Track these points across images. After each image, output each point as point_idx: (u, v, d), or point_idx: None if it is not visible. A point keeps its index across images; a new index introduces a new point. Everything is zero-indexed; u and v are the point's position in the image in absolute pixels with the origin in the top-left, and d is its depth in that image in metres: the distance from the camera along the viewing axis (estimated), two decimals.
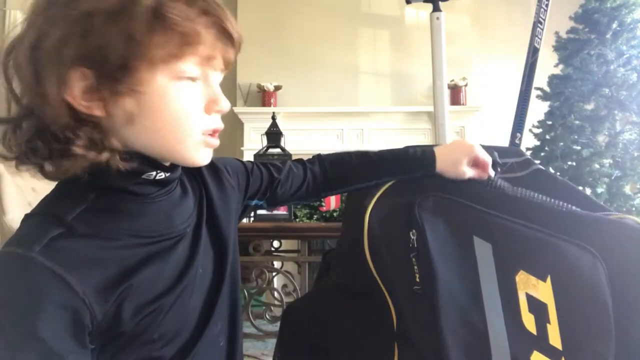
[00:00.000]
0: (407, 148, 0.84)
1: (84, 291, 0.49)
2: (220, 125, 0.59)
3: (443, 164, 0.78)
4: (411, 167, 0.81)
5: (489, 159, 0.78)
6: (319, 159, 0.85)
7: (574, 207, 0.66)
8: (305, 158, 0.87)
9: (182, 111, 0.54)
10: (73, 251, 0.50)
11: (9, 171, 2.85)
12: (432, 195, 0.73)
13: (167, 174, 0.58)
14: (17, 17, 4.00)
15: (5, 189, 2.80)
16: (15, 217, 2.77)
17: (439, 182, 0.76)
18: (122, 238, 0.54)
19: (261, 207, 0.83)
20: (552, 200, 0.67)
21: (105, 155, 0.52)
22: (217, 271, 0.66)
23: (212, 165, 0.70)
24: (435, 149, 0.80)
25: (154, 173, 0.56)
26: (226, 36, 0.56)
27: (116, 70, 0.50)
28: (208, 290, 0.64)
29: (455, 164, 0.77)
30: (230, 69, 0.61)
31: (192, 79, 0.55)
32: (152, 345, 0.57)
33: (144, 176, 0.56)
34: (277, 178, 0.80)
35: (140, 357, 0.56)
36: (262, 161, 0.83)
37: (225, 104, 0.58)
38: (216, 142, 0.59)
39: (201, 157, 0.59)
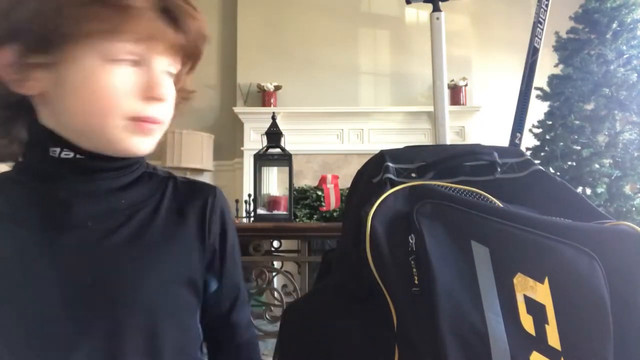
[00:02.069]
0: None
1: None
2: (154, 113, 0.54)
3: None
4: None
5: None
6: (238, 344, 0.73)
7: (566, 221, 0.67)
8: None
9: (103, 91, 0.51)
10: None
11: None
12: (430, 201, 0.73)
13: (80, 156, 0.53)
14: None
15: None
16: None
17: (436, 189, 0.76)
18: (11, 221, 0.52)
19: (206, 296, 0.66)
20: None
21: (13, 147, 0.51)
22: (116, 286, 0.54)
23: (197, 194, 0.63)
24: None
25: (57, 150, 0.53)
26: (170, 17, 0.52)
27: (41, 43, 0.48)
28: (104, 302, 0.53)
29: None
30: (189, 57, 0.57)
31: (130, 62, 0.52)
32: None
33: (50, 153, 0.53)
34: (226, 296, 0.68)
35: None
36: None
37: (161, 91, 0.53)
38: (148, 128, 0.54)
39: (131, 144, 0.54)
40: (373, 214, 0.77)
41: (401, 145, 0.87)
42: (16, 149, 0.51)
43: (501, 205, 0.73)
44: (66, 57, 0.49)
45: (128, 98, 0.52)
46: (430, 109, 2.28)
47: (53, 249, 0.52)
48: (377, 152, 0.87)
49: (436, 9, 1.97)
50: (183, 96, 0.62)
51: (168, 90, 0.55)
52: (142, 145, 0.55)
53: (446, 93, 1.99)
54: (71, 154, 0.53)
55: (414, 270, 0.67)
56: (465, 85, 3.96)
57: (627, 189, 2.43)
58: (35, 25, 0.47)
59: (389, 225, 0.74)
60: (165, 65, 0.55)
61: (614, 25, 2.52)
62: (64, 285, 0.51)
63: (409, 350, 0.68)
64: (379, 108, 4.01)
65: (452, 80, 3.90)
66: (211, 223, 0.63)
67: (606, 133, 2.49)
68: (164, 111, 0.56)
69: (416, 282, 0.66)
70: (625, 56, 2.53)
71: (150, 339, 0.55)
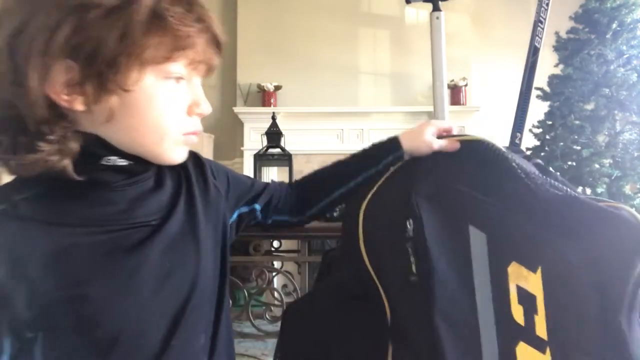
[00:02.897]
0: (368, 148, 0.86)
1: (3, 276, 0.48)
2: (199, 127, 0.59)
3: (407, 139, 0.79)
4: (379, 153, 0.81)
5: (450, 125, 0.81)
6: (290, 182, 0.87)
7: (575, 194, 0.67)
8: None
9: (164, 111, 0.54)
10: (4, 231, 0.50)
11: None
12: (430, 182, 0.73)
13: (131, 163, 0.56)
14: None
15: None
16: None
17: (435, 169, 0.76)
18: (70, 225, 0.53)
19: (256, 220, 0.80)
20: (559, 185, 0.68)
21: (65, 162, 0.50)
22: (187, 274, 0.60)
23: (198, 162, 0.69)
24: (400, 137, 0.82)
25: (113, 158, 0.54)
26: (215, 43, 0.57)
27: (105, 67, 0.48)
28: (178, 294, 0.58)
29: (419, 135, 0.78)
30: (212, 74, 0.62)
31: (177, 80, 0.55)
32: (101, 348, 0.52)
33: (102, 162, 0.54)
34: (264, 185, 0.79)
35: None
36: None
37: (206, 107, 0.58)
38: (194, 140, 0.60)
39: (177, 155, 0.59)
40: (365, 207, 0.77)
41: None
42: (67, 165, 0.51)
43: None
44: (129, 79, 0.50)
45: (182, 114, 0.57)
46: (430, 109, 2.28)
47: (129, 247, 0.55)
48: None
49: (436, 8, 1.97)
50: None
51: (209, 107, 0.60)
52: (183, 155, 0.60)
53: (446, 93, 1.99)
54: (125, 162, 0.55)
55: (412, 257, 0.67)
56: (465, 85, 3.96)
57: (627, 189, 2.43)
58: (100, 49, 0.48)
59: (384, 211, 0.74)
60: (199, 81, 0.60)
61: (614, 25, 2.52)
62: (149, 278, 0.56)
63: (402, 344, 0.68)
64: (379, 108, 4.01)
65: (452, 80, 3.90)
66: (217, 181, 0.70)
67: (606, 133, 2.49)
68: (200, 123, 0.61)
69: (414, 270, 0.66)
70: (625, 56, 2.53)
71: (213, 313, 0.63)
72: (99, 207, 0.55)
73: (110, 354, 0.53)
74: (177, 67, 0.54)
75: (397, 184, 0.77)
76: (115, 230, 0.55)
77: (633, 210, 0.65)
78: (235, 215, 0.75)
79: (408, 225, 0.69)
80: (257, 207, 0.79)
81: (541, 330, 0.61)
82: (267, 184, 0.81)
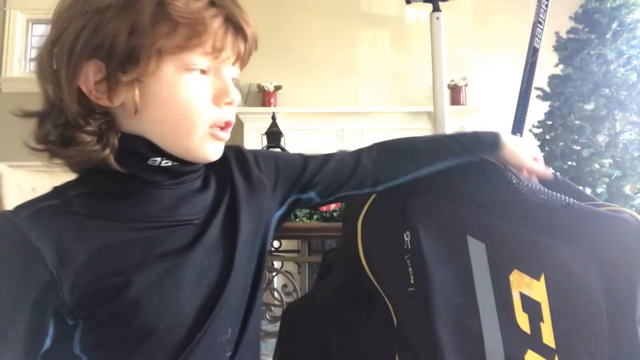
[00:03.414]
0: (469, 132, 0.82)
1: (55, 264, 0.50)
2: (230, 117, 0.59)
3: (509, 154, 0.76)
4: (475, 144, 0.77)
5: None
6: (375, 145, 0.80)
7: (572, 200, 0.67)
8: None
9: (187, 101, 0.55)
10: (57, 223, 0.52)
11: (9, 171, 2.85)
12: (426, 196, 0.73)
13: (175, 163, 0.57)
14: (17, 17, 4.01)
15: (5, 189, 2.81)
16: None
17: (431, 182, 0.76)
18: (118, 220, 0.55)
19: (313, 202, 0.76)
20: (555, 194, 0.67)
21: (106, 152, 0.54)
22: (224, 269, 0.62)
23: (242, 159, 0.69)
24: (502, 136, 0.77)
25: (158, 159, 0.56)
26: (235, 27, 0.56)
27: (123, 61, 0.52)
28: (211, 288, 0.60)
29: (521, 154, 0.76)
30: (245, 63, 0.61)
31: (202, 71, 0.56)
32: (137, 337, 0.55)
33: (149, 162, 0.56)
34: (321, 164, 0.74)
35: (128, 350, 0.55)
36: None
37: (235, 95, 0.58)
38: (225, 135, 0.59)
39: (209, 151, 0.58)
40: (363, 219, 0.77)
41: None
42: (108, 155, 0.54)
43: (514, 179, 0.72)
44: (146, 71, 0.53)
45: (207, 105, 0.57)
46: (430, 108, 2.28)
47: (172, 244, 0.57)
48: None
49: (436, 8, 1.97)
50: None
51: (237, 94, 0.59)
52: (217, 152, 0.59)
53: (446, 93, 1.99)
54: (170, 162, 0.57)
55: (410, 269, 0.67)
56: (465, 85, 3.96)
57: (627, 189, 2.43)
58: (114, 44, 0.52)
59: (381, 225, 0.74)
60: (233, 72, 0.60)
61: (614, 25, 2.51)
62: (188, 274, 0.58)
63: (409, 350, 0.68)
64: (379, 108, 4.01)
65: (452, 80, 3.90)
66: (262, 175, 0.69)
67: (606, 133, 2.49)
68: (234, 114, 0.60)
69: (412, 281, 0.66)
70: (625, 56, 2.53)
71: (243, 308, 0.64)
72: (146, 205, 0.57)
73: (143, 344, 0.55)
74: (197, 58, 0.54)
75: (392, 197, 0.76)
76: (160, 227, 0.57)
77: (634, 212, 0.65)
78: (285, 206, 0.73)
79: (405, 238, 0.69)
80: (312, 194, 0.74)
81: (548, 338, 0.61)
82: (327, 161, 0.75)
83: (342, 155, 0.77)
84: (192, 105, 0.55)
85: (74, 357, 0.54)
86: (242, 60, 0.60)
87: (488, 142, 0.77)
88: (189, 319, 0.58)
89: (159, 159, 0.56)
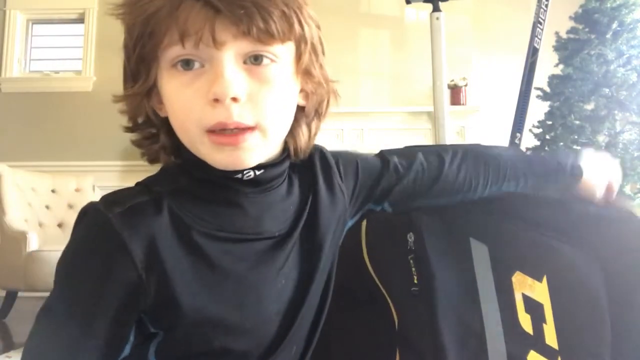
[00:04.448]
0: (550, 157, 0.76)
1: (144, 266, 0.48)
2: (221, 117, 0.47)
3: (587, 187, 0.70)
4: (560, 177, 0.70)
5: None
6: (461, 150, 0.70)
7: (573, 200, 0.67)
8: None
9: (179, 104, 0.49)
10: (149, 223, 0.49)
11: (9, 171, 2.85)
12: None
13: (258, 172, 0.52)
14: (17, 17, 4.00)
15: (5, 189, 2.81)
16: (15, 217, 2.77)
17: None
18: (202, 227, 0.51)
19: (384, 212, 0.69)
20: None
21: (162, 154, 0.54)
22: (301, 287, 0.57)
23: (326, 164, 0.64)
24: (584, 164, 0.70)
25: (240, 175, 0.52)
26: (205, 4, 0.46)
27: (132, 75, 0.52)
28: (287, 306, 0.57)
29: (595, 189, 0.70)
30: (229, 43, 0.47)
31: (187, 63, 0.48)
32: (214, 356, 0.52)
33: (235, 175, 0.52)
34: (403, 173, 0.66)
35: None
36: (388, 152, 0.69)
37: (217, 89, 0.46)
38: (227, 140, 0.48)
39: (220, 160, 0.49)
40: (367, 219, 0.76)
41: (401, 145, 0.87)
42: (163, 153, 0.54)
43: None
44: (145, 82, 0.52)
45: (197, 105, 0.48)
46: (430, 108, 2.28)
47: (252, 260, 0.54)
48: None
49: (436, 9, 1.97)
50: (307, 74, 0.57)
51: (240, 84, 0.47)
52: (232, 158, 0.49)
53: (446, 93, 1.99)
54: (252, 174, 0.52)
55: (413, 269, 0.67)
56: (465, 85, 3.95)
57: (627, 189, 2.43)
58: (125, 55, 0.52)
59: (385, 226, 0.74)
60: (233, 58, 0.48)
61: (614, 25, 2.51)
62: (267, 294, 0.55)
63: (410, 350, 0.68)
64: (379, 108, 4.01)
65: (452, 80, 3.89)
66: (342, 183, 0.64)
67: (606, 133, 2.49)
68: (245, 112, 0.48)
69: (415, 281, 0.66)
70: (625, 56, 2.53)
71: (310, 329, 0.61)
72: (231, 215, 0.54)
73: None
74: (177, 49, 0.47)
75: None
76: (243, 240, 0.54)
77: (633, 207, 0.65)
78: (357, 216, 0.68)
79: (409, 239, 0.69)
80: (386, 205, 0.67)
81: (551, 339, 0.61)
82: (408, 167, 0.66)
83: (423, 161, 0.67)
84: (183, 109, 0.49)
85: None
86: (221, 40, 0.46)
87: (571, 177, 0.70)
88: (268, 339, 0.55)
89: (240, 174, 0.51)
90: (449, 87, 3.86)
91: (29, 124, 3.75)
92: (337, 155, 0.66)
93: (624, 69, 2.48)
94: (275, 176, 0.56)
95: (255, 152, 0.50)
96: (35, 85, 3.86)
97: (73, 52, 3.97)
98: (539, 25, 1.83)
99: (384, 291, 0.74)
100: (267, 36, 0.47)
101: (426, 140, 3.89)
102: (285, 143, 0.57)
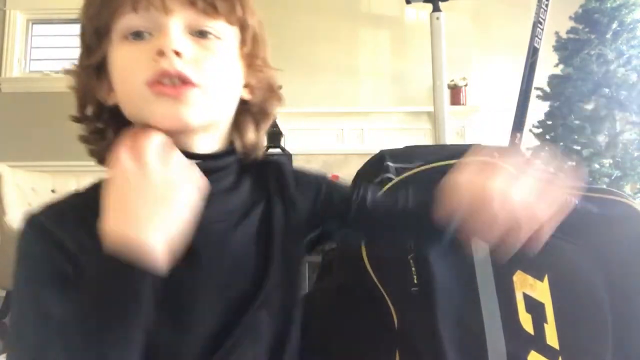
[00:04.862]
0: None
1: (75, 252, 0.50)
2: (166, 66, 0.49)
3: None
4: None
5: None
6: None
7: (575, 200, 0.67)
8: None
9: (123, 64, 0.52)
10: (68, 215, 0.53)
11: (9, 171, 2.85)
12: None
13: (197, 161, 0.52)
14: (17, 17, 4.00)
15: (5, 189, 2.81)
16: (15, 217, 2.77)
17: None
18: None
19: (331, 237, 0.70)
20: None
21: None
22: (247, 289, 0.56)
23: (279, 173, 0.64)
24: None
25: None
26: None
27: (90, 47, 0.56)
28: (233, 304, 0.55)
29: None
30: (176, 12, 0.51)
31: (137, 34, 0.51)
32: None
33: None
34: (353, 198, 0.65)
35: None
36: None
37: (164, 42, 0.49)
38: (169, 91, 0.49)
39: (160, 114, 0.50)
40: None
41: (401, 145, 0.87)
42: (109, 152, 0.53)
43: None
44: (103, 50, 0.55)
45: (143, 65, 0.50)
46: (430, 108, 2.28)
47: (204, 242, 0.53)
48: (377, 152, 0.87)
49: (436, 9, 1.97)
50: (251, 65, 0.60)
51: (185, 46, 0.50)
52: (171, 110, 0.50)
53: (446, 93, 1.99)
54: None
55: (413, 269, 0.67)
56: (465, 85, 3.96)
57: (627, 189, 2.43)
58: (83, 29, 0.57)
59: None
60: (181, 26, 0.51)
61: (614, 25, 2.51)
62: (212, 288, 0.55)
63: (409, 350, 0.68)
64: (379, 108, 4.01)
65: (452, 80, 3.89)
66: (300, 193, 0.63)
67: (606, 133, 2.49)
68: (188, 68, 0.50)
69: (415, 281, 0.66)
70: (625, 56, 2.53)
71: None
72: None
73: None
74: (129, 17, 0.51)
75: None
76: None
77: (630, 199, 0.64)
78: (315, 233, 0.66)
79: None
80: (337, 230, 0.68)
81: (552, 339, 0.61)
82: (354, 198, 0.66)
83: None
84: (125, 68, 0.52)
85: None
86: (191, 8, 0.51)
87: None
88: (200, 341, 0.53)
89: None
90: (449, 87, 3.86)
91: (29, 124, 3.75)
92: (296, 172, 0.67)
93: (624, 69, 2.48)
94: (218, 169, 0.56)
95: (196, 108, 0.51)
96: (35, 85, 3.86)
97: (73, 52, 3.97)
98: (539, 25, 1.83)
99: (383, 291, 0.74)
100: (212, 9, 0.52)
101: (426, 140, 3.90)
102: (232, 142, 0.60)
